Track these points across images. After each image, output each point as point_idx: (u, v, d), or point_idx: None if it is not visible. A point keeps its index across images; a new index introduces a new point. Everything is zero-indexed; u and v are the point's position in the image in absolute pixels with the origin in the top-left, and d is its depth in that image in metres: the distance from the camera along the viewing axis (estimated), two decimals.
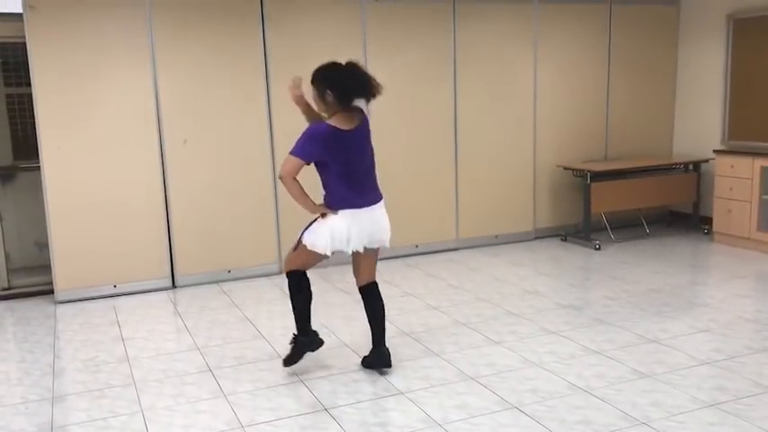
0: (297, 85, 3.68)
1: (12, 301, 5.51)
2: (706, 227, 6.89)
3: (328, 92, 3.53)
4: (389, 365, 3.85)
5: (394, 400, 3.53)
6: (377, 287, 3.87)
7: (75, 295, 5.41)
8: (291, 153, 3.51)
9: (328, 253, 3.63)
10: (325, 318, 4.74)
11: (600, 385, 3.60)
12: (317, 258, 3.71)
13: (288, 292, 3.82)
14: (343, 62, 3.60)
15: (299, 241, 3.70)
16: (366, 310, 3.87)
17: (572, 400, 3.45)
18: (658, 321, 4.53)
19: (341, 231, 3.59)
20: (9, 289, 5.60)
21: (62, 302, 5.37)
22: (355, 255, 3.76)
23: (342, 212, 3.61)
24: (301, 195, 3.57)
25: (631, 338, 4.24)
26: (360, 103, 3.63)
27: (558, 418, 3.28)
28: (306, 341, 3.84)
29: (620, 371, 3.77)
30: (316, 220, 3.69)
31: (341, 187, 3.61)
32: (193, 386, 3.77)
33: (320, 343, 3.89)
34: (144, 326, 4.82)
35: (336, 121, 3.55)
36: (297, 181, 3.54)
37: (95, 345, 4.47)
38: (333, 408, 3.46)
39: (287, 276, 3.81)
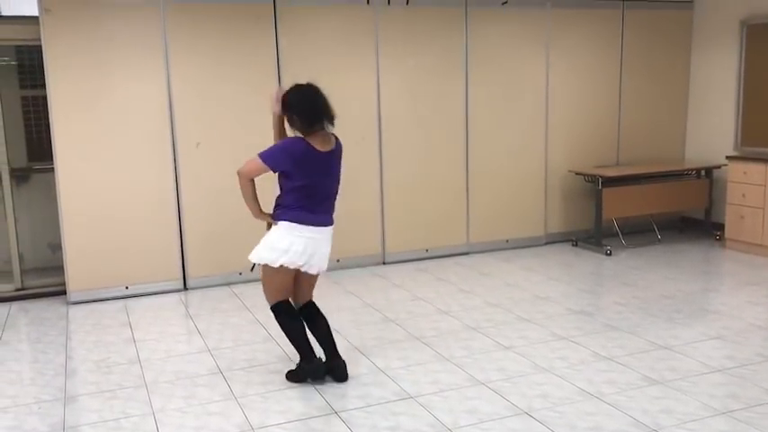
0: (278, 98, 3.66)
1: (25, 301, 5.55)
2: (718, 233, 6.86)
3: (294, 117, 3.60)
4: (347, 378, 3.80)
5: (404, 404, 3.53)
6: (315, 304, 3.88)
7: (87, 296, 5.44)
8: (260, 156, 3.55)
9: (276, 265, 3.58)
10: (335, 322, 4.74)
11: (610, 391, 3.59)
12: (283, 275, 3.65)
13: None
14: (305, 83, 3.62)
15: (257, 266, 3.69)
16: (311, 329, 3.82)
17: (582, 406, 3.44)
18: (670, 328, 4.51)
19: (289, 244, 3.56)
20: (22, 290, 5.63)
21: (74, 303, 5.40)
22: (298, 273, 3.70)
23: (287, 225, 3.58)
24: (252, 198, 3.63)
25: (642, 345, 4.22)
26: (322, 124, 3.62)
27: (569, 423, 3.27)
28: (308, 368, 3.76)
29: (631, 377, 3.76)
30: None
31: (295, 202, 3.59)
32: (204, 388, 3.79)
33: (322, 373, 3.76)
34: (155, 327, 4.84)
35: (314, 141, 3.57)
36: (252, 182, 3.60)
37: (107, 346, 4.50)
38: (343, 411, 3.46)
39: (272, 311, 3.78)
